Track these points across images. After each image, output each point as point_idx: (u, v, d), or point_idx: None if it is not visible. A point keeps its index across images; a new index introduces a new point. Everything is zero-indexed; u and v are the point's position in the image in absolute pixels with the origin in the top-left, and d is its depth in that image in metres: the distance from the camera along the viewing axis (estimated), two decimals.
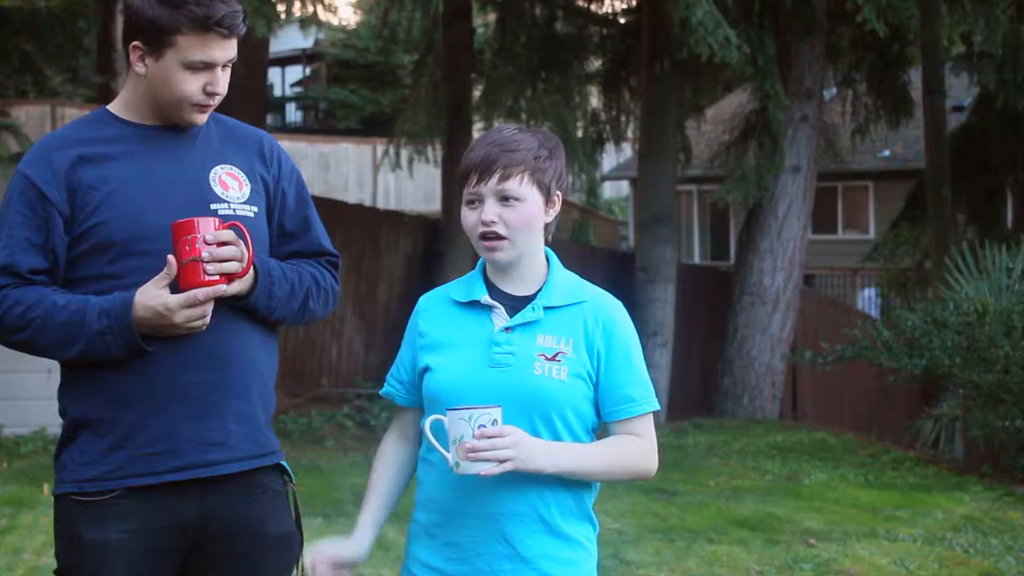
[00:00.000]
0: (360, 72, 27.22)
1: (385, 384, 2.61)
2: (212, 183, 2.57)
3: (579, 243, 19.68)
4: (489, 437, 2.28)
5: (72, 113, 21.84)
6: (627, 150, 21.55)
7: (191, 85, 2.50)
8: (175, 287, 2.44)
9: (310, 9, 14.79)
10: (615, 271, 13.22)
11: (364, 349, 13.04)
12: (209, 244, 2.42)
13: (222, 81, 2.53)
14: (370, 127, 25.44)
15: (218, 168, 2.60)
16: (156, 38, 2.48)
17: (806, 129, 12.93)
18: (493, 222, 2.40)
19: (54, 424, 10.22)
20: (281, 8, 13.54)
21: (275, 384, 2.70)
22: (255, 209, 2.61)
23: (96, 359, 2.47)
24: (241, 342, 2.56)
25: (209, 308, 2.45)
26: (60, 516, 2.54)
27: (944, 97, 13.10)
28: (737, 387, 13.04)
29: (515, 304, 2.46)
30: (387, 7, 15.00)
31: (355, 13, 31.17)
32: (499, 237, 2.41)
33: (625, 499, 7.89)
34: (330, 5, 19.66)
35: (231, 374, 2.53)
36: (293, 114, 30.78)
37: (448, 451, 2.33)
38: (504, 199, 2.40)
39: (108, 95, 14.35)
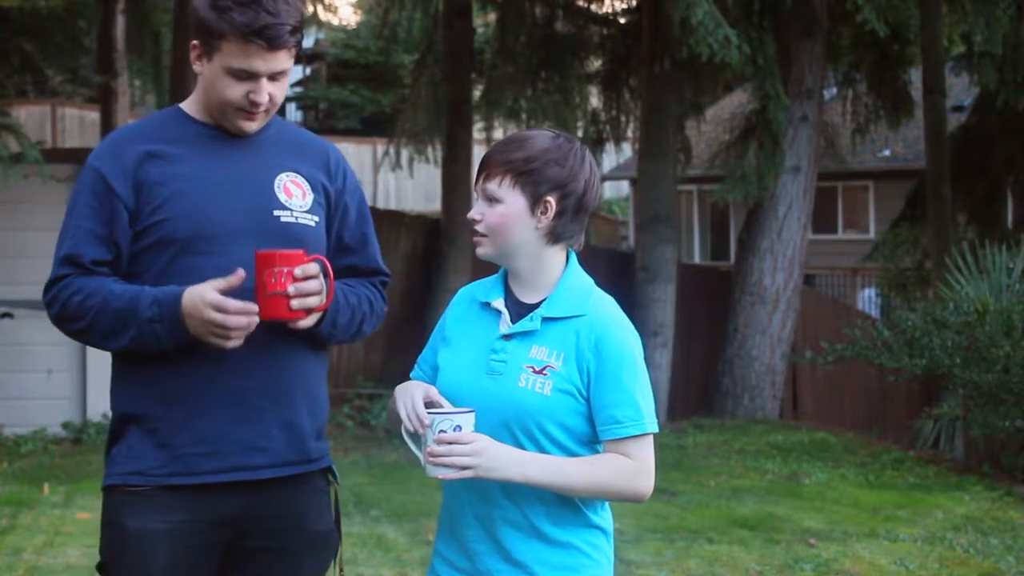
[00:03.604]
0: (360, 72, 27.22)
1: (415, 368, 2.62)
2: (276, 189, 2.59)
3: None
4: (448, 443, 2.30)
5: (72, 113, 21.87)
6: (627, 150, 21.54)
7: (233, 91, 2.51)
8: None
9: (310, 9, 14.81)
10: (615, 271, 13.22)
11: (364, 349, 13.02)
12: (297, 279, 2.43)
13: (266, 91, 2.52)
14: (370, 127, 25.46)
15: (283, 175, 2.61)
16: (207, 40, 2.50)
17: (806, 129, 12.92)
18: (475, 220, 2.45)
19: (54, 424, 10.30)
20: None
21: (326, 390, 2.71)
22: (316, 219, 2.62)
23: (146, 348, 2.49)
24: (289, 349, 2.58)
25: (248, 327, 2.44)
26: (106, 508, 2.58)
27: (944, 97, 13.09)
28: (737, 387, 13.03)
29: (522, 311, 2.46)
30: (387, 7, 15.01)
31: (355, 13, 31.19)
32: (481, 234, 2.46)
33: None
34: (330, 5, 19.66)
35: (278, 381, 2.55)
36: (293, 114, 30.76)
37: (420, 453, 2.37)
38: (488, 198, 2.44)
39: (108, 95, 14.34)
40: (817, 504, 8.14)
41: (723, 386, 13.17)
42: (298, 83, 31.04)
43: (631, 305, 12.17)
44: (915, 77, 14.16)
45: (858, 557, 6.57)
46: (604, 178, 25.64)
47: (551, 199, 2.43)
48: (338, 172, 2.70)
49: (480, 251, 2.48)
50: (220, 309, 2.41)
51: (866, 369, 12.73)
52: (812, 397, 15.32)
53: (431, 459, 2.31)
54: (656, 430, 2.42)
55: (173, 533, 2.50)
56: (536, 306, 2.46)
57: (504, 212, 2.42)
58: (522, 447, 2.38)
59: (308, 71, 31.08)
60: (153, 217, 2.51)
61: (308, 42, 26.41)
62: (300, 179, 2.63)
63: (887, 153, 21.23)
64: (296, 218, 2.58)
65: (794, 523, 7.44)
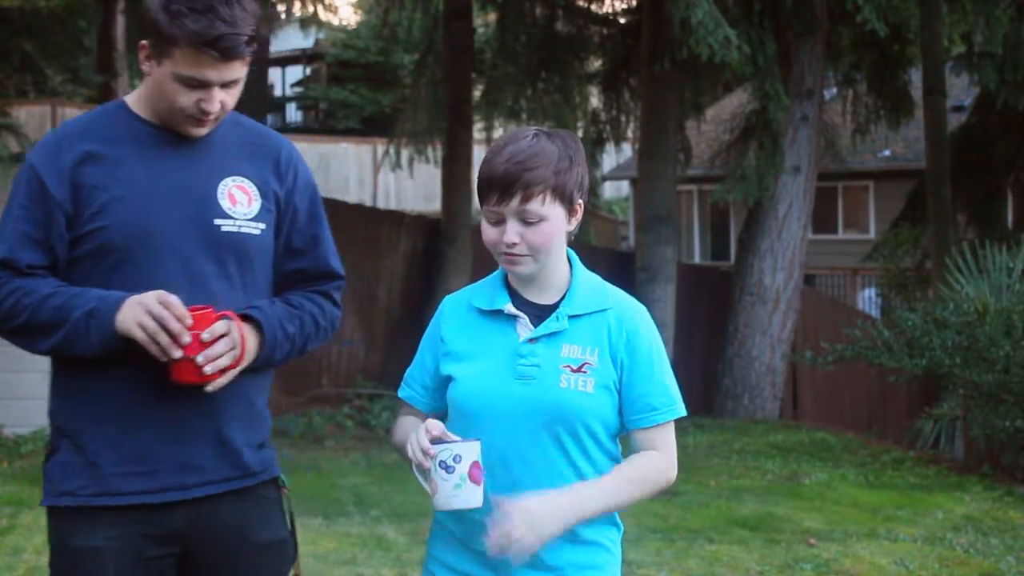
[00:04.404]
0: (360, 72, 27.22)
1: (404, 387, 2.54)
2: (220, 197, 2.49)
3: (579, 243, 19.68)
4: (498, 533, 2.24)
5: (72, 113, 21.87)
6: (627, 150, 21.55)
7: (184, 98, 2.41)
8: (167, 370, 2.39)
9: (310, 9, 14.82)
10: (615, 271, 13.21)
11: (364, 349, 13.03)
12: (205, 344, 2.36)
13: (217, 99, 2.42)
14: (370, 127, 25.46)
15: (229, 180, 2.51)
16: (157, 44, 2.39)
17: (806, 129, 12.93)
18: (515, 243, 2.36)
19: None
20: (281, 8, 13.56)
21: (266, 402, 2.64)
22: (262, 226, 2.53)
23: (71, 349, 2.40)
24: None
25: (176, 339, 2.36)
26: (49, 528, 2.52)
27: (944, 97, 13.10)
28: (737, 387, 13.04)
29: (538, 313, 2.42)
30: (387, 7, 15.03)
31: (355, 13, 31.24)
32: (522, 255, 2.38)
33: None
34: (330, 5, 19.71)
35: (209, 397, 2.45)
36: (293, 114, 30.79)
37: (426, 485, 2.32)
38: (527, 220, 2.35)
39: (108, 95, 14.35)
40: (817, 504, 8.14)
41: (723, 386, 13.18)
42: (298, 83, 31.07)
43: None
44: (915, 77, 14.17)
45: (858, 557, 6.57)
46: (604, 178, 25.70)
47: (581, 201, 2.42)
48: (288, 171, 2.59)
49: (520, 270, 2.39)
50: (164, 303, 2.34)
51: (866, 369, 12.74)
52: (812, 397, 15.32)
53: (497, 552, 2.25)
54: (685, 413, 2.46)
55: (119, 547, 2.44)
56: (554, 306, 2.42)
57: (550, 229, 2.36)
58: (563, 446, 2.36)
59: (308, 71, 31.08)
60: (91, 224, 2.41)
61: (308, 42, 26.42)
62: (247, 184, 2.52)
63: (887, 153, 21.23)
64: (239, 227, 2.48)
65: (794, 523, 7.44)
